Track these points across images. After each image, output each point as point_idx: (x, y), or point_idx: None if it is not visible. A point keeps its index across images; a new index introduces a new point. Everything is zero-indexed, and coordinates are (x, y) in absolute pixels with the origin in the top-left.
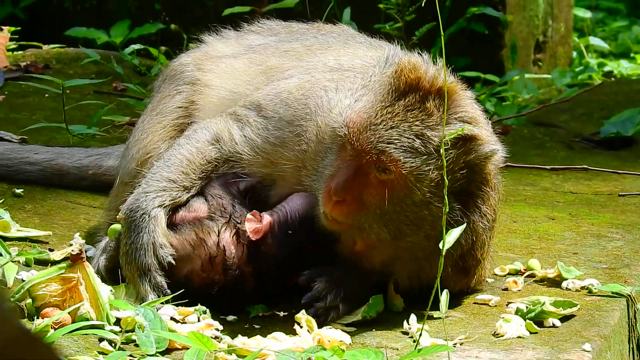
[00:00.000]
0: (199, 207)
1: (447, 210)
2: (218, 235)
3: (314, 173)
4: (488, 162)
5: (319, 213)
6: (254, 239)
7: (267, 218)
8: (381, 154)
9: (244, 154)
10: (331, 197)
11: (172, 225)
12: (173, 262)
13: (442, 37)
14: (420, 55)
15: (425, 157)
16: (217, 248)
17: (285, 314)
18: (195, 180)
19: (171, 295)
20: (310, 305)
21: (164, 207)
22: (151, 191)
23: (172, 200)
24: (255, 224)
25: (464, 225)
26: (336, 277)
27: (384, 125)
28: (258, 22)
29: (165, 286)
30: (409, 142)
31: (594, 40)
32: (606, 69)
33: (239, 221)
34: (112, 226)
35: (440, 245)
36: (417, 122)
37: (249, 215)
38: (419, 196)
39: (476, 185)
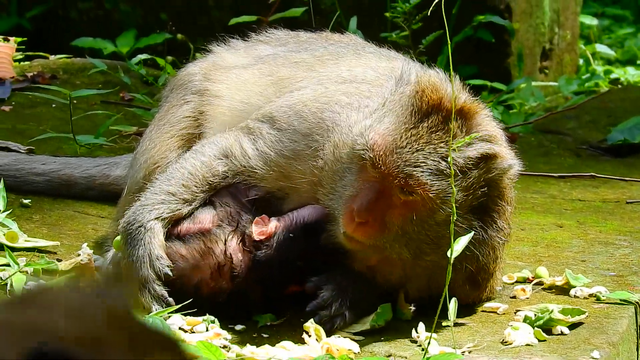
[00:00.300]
0: (205, 218)
1: (467, 227)
2: (225, 244)
3: (332, 192)
4: (505, 177)
5: (338, 233)
6: (257, 239)
7: (273, 222)
8: (409, 178)
9: (257, 168)
10: (353, 218)
11: (178, 237)
12: (170, 273)
13: (449, 47)
14: (433, 68)
15: (450, 179)
16: (224, 256)
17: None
18: (197, 193)
19: (179, 305)
20: (315, 313)
21: (161, 220)
22: (149, 204)
23: (170, 212)
24: (261, 227)
25: (472, 234)
26: (343, 285)
27: (410, 148)
28: (265, 31)
29: (167, 296)
30: (435, 165)
31: (601, 48)
32: (613, 76)
33: (246, 229)
34: (117, 238)
35: (449, 253)
36: (441, 144)
37: (257, 219)
38: (442, 216)
39: (493, 201)
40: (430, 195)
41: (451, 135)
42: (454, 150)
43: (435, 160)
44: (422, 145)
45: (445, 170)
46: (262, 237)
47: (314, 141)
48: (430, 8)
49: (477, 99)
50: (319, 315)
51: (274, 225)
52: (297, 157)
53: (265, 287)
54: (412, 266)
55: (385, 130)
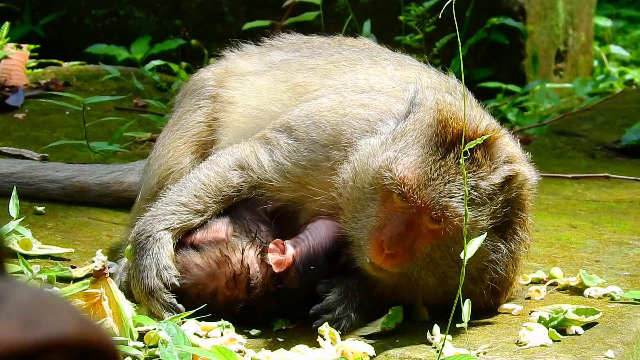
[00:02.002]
0: (220, 228)
1: (493, 246)
2: (242, 253)
3: (354, 220)
4: (525, 189)
5: (363, 261)
6: (277, 271)
7: (290, 250)
8: (445, 210)
9: (273, 180)
10: (382, 250)
11: (192, 245)
12: (177, 284)
13: (460, 51)
14: (448, 74)
15: (481, 208)
16: (241, 266)
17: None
18: (209, 204)
19: (192, 311)
20: (318, 317)
21: (171, 230)
22: (159, 214)
23: (180, 223)
24: (278, 255)
25: (484, 235)
26: (352, 288)
27: (442, 180)
28: (278, 36)
29: (176, 303)
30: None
31: (615, 49)
32: (627, 77)
33: (264, 240)
34: (128, 247)
35: (462, 255)
36: (469, 174)
37: (271, 245)
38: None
39: (515, 214)
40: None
41: (462, 142)
42: (484, 180)
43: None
44: (452, 176)
45: (476, 199)
46: (281, 270)
47: (332, 154)
48: (441, 11)
49: (496, 124)
50: (323, 318)
51: (291, 254)
52: (315, 168)
53: (284, 305)
54: (432, 288)
55: (413, 163)
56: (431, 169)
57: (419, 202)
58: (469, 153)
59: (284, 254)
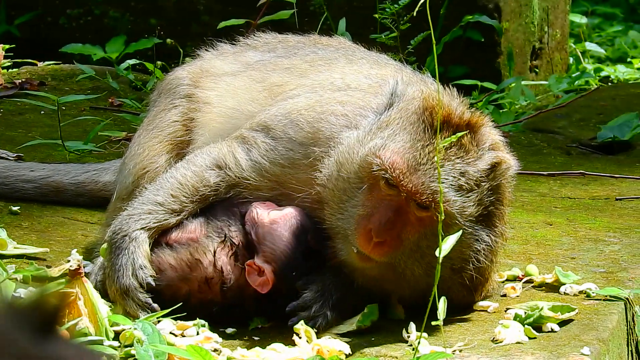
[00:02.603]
0: (195, 228)
1: (475, 237)
2: (214, 255)
3: (340, 211)
4: (507, 179)
5: (349, 252)
6: (264, 292)
7: (267, 267)
8: (435, 194)
9: (251, 179)
10: (370, 238)
11: (167, 244)
12: (152, 283)
13: (435, 49)
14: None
15: (469, 193)
16: (213, 269)
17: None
18: (186, 203)
19: (167, 310)
20: (294, 314)
21: (147, 230)
22: (135, 214)
23: (156, 223)
24: (257, 277)
25: (460, 233)
26: (328, 286)
27: (431, 164)
28: (254, 35)
29: (151, 302)
30: (456, 181)
31: (591, 46)
32: (603, 74)
33: (236, 242)
34: (103, 246)
35: (437, 253)
36: (457, 160)
37: (247, 268)
38: (455, 230)
39: (495, 206)
40: (454, 210)
41: (437, 136)
42: (471, 166)
43: (455, 177)
44: (441, 162)
45: (464, 185)
46: (268, 289)
47: (311, 151)
48: (416, 9)
49: (480, 111)
50: (299, 315)
51: (270, 271)
52: (293, 166)
53: (265, 304)
54: (418, 279)
55: (402, 149)
56: (420, 154)
57: (410, 186)
58: (453, 143)
59: (261, 273)
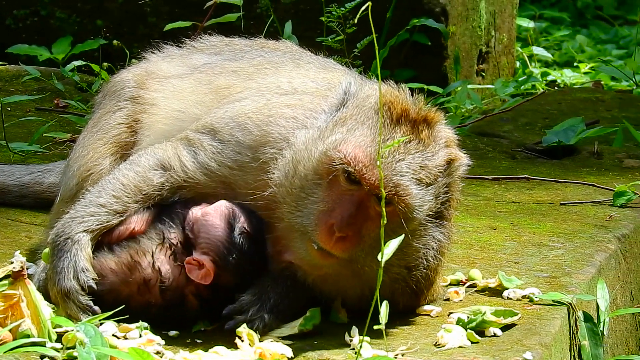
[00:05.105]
0: (134, 220)
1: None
2: (152, 256)
3: (298, 209)
4: (459, 177)
5: (308, 249)
6: (208, 284)
7: (205, 258)
8: (398, 187)
9: (197, 181)
10: (332, 233)
11: (109, 246)
12: (94, 286)
13: (377, 52)
14: (370, 77)
15: (428, 188)
16: (152, 269)
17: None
18: (129, 203)
19: (109, 313)
20: (231, 317)
21: (90, 232)
22: (78, 216)
23: (99, 224)
24: (198, 271)
25: (402, 237)
26: (265, 289)
27: (393, 157)
28: (200, 38)
29: (92, 305)
30: (416, 174)
31: (538, 50)
32: (550, 78)
33: (174, 242)
34: (45, 250)
35: (379, 257)
36: (417, 154)
37: (187, 266)
38: (414, 226)
39: (445, 205)
40: (414, 204)
41: (379, 129)
42: (430, 160)
43: (415, 170)
44: (402, 155)
45: (424, 179)
46: (211, 280)
47: (261, 154)
48: (359, 12)
49: (436, 108)
50: (236, 319)
51: (209, 261)
52: (241, 169)
53: (209, 300)
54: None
55: (363, 143)
56: (381, 147)
57: (373, 179)
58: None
59: (201, 267)
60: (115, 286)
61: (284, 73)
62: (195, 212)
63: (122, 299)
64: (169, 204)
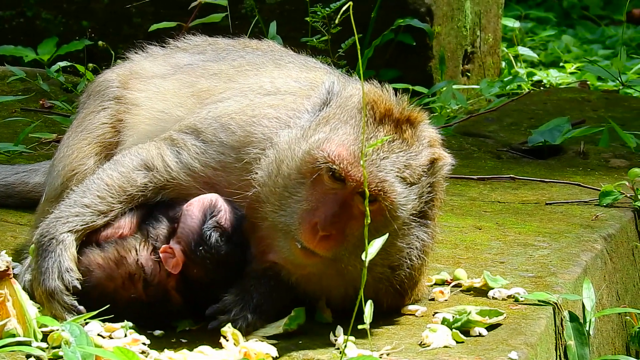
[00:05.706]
0: (123, 224)
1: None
2: (136, 253)
3: (281, 208)
4: (443, 177)
5: (292, 248)
6: (176, 273)
7: (176, 247)
8: (382, 184)
9: (181, 181)
10: (316, 232)
11: (97, 243)
12: (79, 286)
13: (360, 52)
14: (352, 76)
15: (412, 186)
16: (136, 265)
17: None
18: (113, 204)
19: (94, 312)
20: (214, 317)
21: (74, 232)
22: (63, 216)
23: (83, 225)
24: (171, 258)
25: (386, 236)
26: (248, 288)
27: (377, 155)
28: (184, 38)
29: (77, 305)
30: (400, 173)
31: (523, 50)
32: (535, 78)
33: (156, 239)
34: (32, 246)
35: (363, 257)
36: (401, 153)
37: (162, 255)
38: (398, 225)
39: (429, 205)
40: (398, 202)
41: (363, 128)
42: (414, 159)
43: (400, 168)
44: (386, 154)
45: (408, 178)
46: (179, 269)
47: (244, 154)
48: (340, 14)
49: (420, 108)
50: (219, 319)
51: (178, 250)
52: (225, 169)
53: (190, 295)
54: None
55: (346, 141)
56: (365, 146)
57: (357, 176)
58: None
59: (174, 255)
60: (101, 281)
61: (265, 73)
62: (186, 203)
63: (107, 294)
64: (154, 204)
